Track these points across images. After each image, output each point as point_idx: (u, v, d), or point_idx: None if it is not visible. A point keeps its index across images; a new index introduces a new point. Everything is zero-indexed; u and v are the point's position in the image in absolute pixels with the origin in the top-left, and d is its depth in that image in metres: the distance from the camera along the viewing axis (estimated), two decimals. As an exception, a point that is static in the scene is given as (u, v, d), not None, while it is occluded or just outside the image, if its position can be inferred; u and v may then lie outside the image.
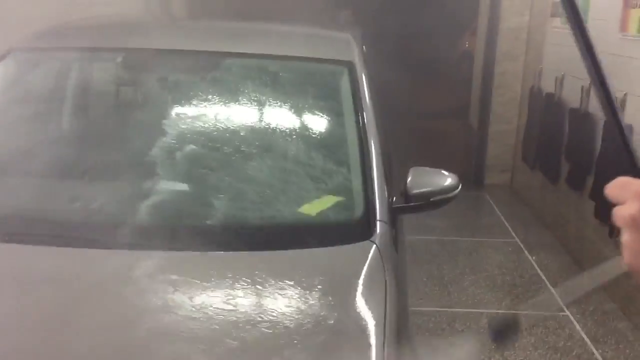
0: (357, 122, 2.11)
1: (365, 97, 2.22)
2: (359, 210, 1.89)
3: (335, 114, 2.18)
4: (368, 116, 2.14)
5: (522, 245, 4.72)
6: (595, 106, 4.09)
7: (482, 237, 4.98)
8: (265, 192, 1.93)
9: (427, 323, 3.59)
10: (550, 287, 4.03)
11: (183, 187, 1.94)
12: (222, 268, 1.64)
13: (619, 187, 0.75)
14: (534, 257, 4.51)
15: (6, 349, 1.33)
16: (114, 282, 1.58)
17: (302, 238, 1.79)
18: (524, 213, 5.48)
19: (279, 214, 1.90)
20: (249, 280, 1.57)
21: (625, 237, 0.74)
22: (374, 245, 1.75)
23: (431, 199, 2.14)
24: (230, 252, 1.70)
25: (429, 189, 2.13)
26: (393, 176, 2.41)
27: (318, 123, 2.15)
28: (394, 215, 2.13)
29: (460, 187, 2.24)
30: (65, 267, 1.64)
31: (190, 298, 1.55)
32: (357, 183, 1.96)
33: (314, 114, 2.17)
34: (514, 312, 3.41)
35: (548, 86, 5.06)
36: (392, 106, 5.74)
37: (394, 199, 2.16)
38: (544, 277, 4.21)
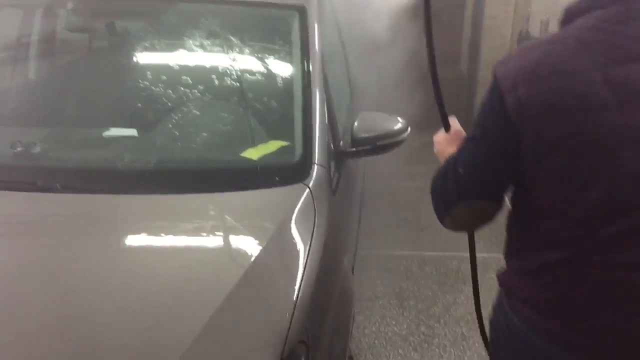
0: (303, 68, 2.13)
1: (314, 44, 2.22)
2: (296, 154, 1.93)
3: (282, 60, 2.20)
4: (314, 63, 2.15)
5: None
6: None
7: (464, 183, 5.01)
8: (206, 136, 1.97)
9: (397, 267, 3.68)
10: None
11: (127, 130, 1.99)
12: (157, 210, 1.71)
13: None
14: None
15: None
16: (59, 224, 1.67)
17: (238, 181, 1.84)
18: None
19: (218, 157, 1.96)
20: (177, 221, 1.64)
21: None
22: (307, 188, 1.81)
23: (378, 143, 2.18)
24: (167, 195, 1.75)
25: (374, 133, 2.17)
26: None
27: (263, 68, 2.17)
28: (340, 159, 2.18)
29: (408, 130, 2.27)
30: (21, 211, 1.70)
31: (122, 240, 1.63)
32: (297, 128, 2.00)
33: (260, 59, 2.18)
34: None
35: (535, 31, 4.99)
36: (382, 56, 5.69)
37: (341, 143, 2.20)
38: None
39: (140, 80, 2.04)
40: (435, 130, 1.57)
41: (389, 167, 5.23)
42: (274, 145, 2.05)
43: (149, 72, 2.09)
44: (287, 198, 1.77)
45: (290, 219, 1.70)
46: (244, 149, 1.99)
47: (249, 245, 1.59)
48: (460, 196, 1.30)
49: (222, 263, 1.54)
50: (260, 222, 1.70)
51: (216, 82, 2.08)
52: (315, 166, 1.91)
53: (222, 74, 2.11)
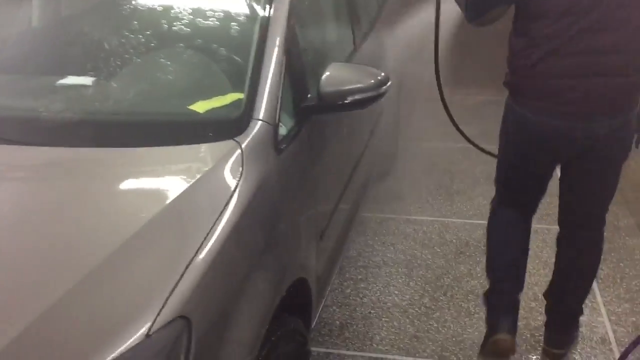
0: (263, 17, 1.94)
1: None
2: (237, 108, 1.77)
3: (242, 6, 2.02)
4: (278, 10, 1.96)
5: (553, 156, 4.36)
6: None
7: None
8: (145, 86, 1.85)
9: (415, 232, 3.45)
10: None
11: (71, 79, 1.90)
12: (66, 163, 1.61)
13: None
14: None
15: None
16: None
17: (169, 135, 1.71)
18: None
19: (152, 110, 1.83)
20: (81, 177, 1.54)
21: None
22: (237, 145, 1.64)
23: (348, 98, 1.97)
24: (85, 149, 1.65)
25: (343, 87, 1.96)
26: None
27: (221, 15, 2.00)
28: (304, 116, 1.99)
29: (387, 84, 2.05)
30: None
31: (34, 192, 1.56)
32: (245, 81, 1.83)
33: (217, 9, 2.01)
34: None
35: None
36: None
37: (308, 97, 2.01)
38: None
39: (81, 27, 1.94)
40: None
41: (433, 126, 4.92)
42: (228, 98, 1.90)
43: (88, 18, 1.98)
44: (211, 155, 1.62)
45: (206, 178, 1.55)
46: (194, 101, 1.86)
47: (149, 205, 1.46)
48: (491, 5, 2.01)
49: (113, 221, 1.42)
50: (170, 181, 1.56)
51: (165, 27, 1.94)
52: (257, 122, 1.74)
53: (175, 19, 1.96)
